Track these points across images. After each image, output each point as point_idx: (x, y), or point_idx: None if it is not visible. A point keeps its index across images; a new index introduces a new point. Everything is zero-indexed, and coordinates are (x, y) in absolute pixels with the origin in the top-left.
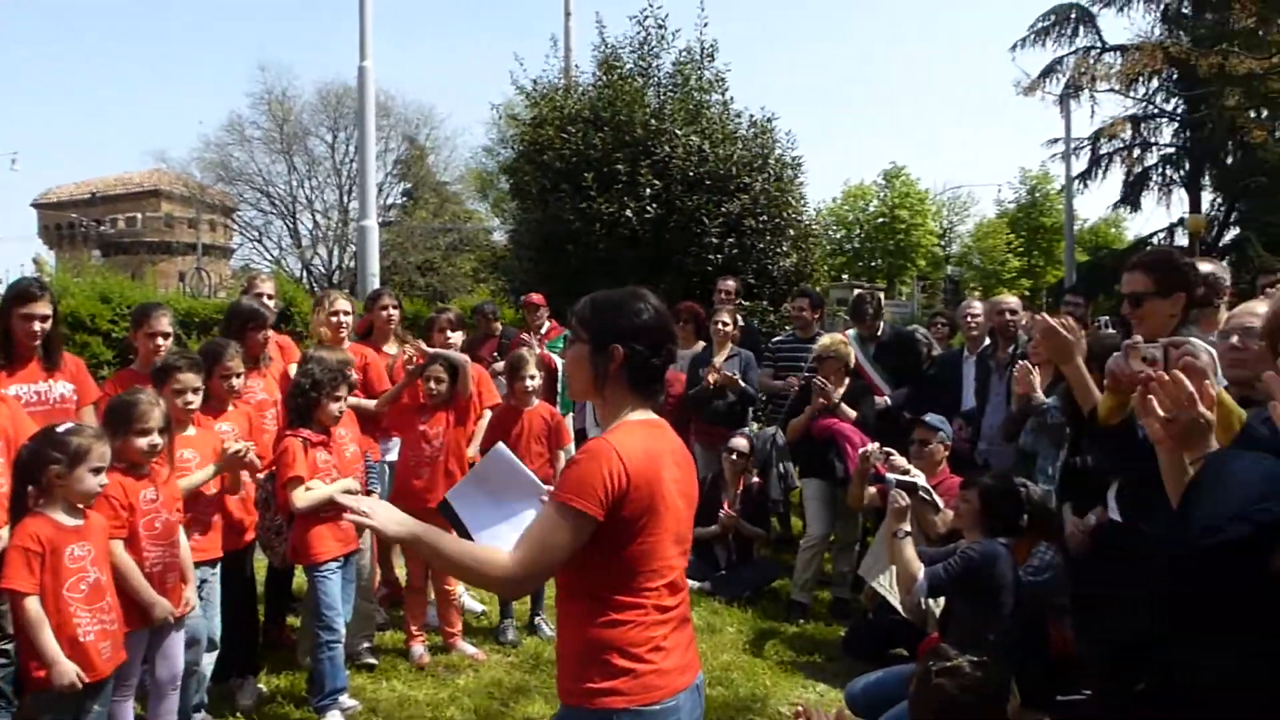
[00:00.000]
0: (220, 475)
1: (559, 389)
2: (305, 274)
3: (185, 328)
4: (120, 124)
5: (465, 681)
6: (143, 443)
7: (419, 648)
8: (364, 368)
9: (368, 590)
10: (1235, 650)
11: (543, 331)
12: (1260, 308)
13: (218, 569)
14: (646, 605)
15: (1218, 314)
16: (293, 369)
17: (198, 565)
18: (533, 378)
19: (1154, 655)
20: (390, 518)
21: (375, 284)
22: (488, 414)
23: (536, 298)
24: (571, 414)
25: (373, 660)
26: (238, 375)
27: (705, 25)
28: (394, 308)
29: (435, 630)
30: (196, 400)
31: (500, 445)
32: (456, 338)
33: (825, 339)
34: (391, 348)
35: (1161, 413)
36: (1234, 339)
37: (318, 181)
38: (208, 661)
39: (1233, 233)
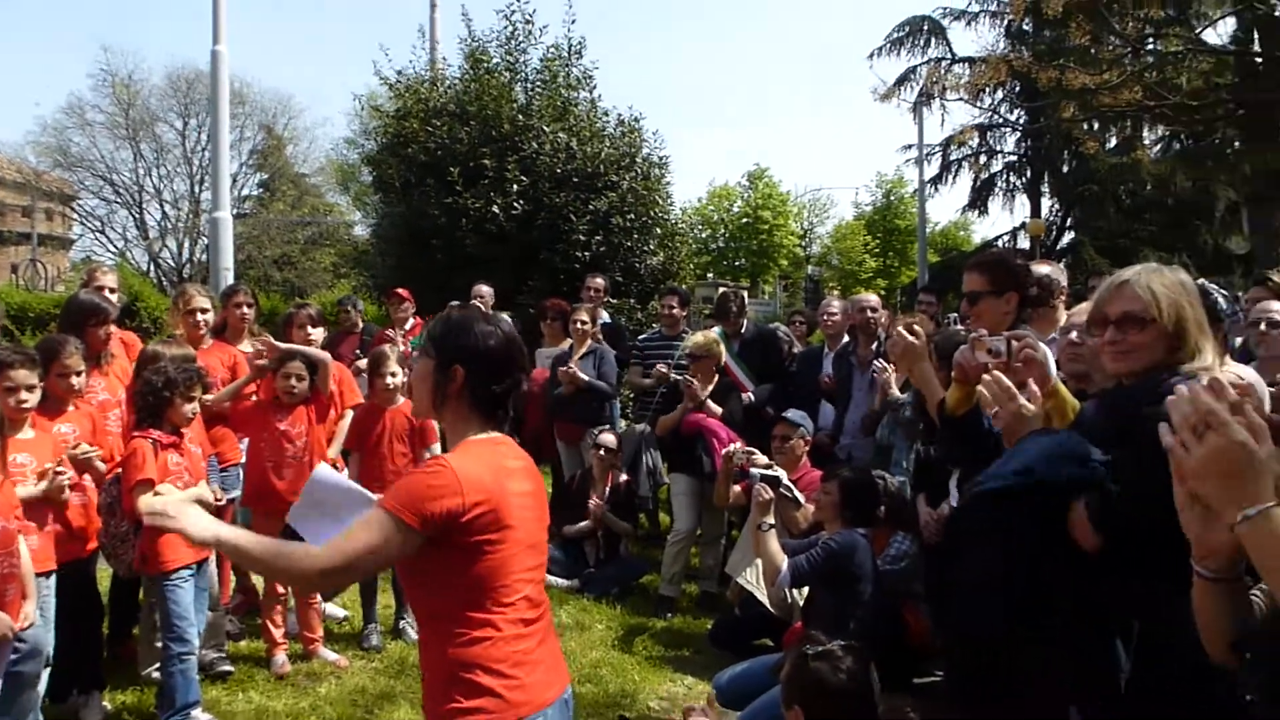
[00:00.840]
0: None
1: None
2: (153, 267)
3: (18, 323)
4: None
5: (327, 690)
6: None
7: (280, 656)
8: (232, 367)
9: (216, 599)
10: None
11: (407, 327)
12: None
13: (52, 580)
14: (506, 620)
15: (1056, 313)
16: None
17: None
18: (394, 375)
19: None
20: (195, 521)
21: (229, 279)
22: (350, 414)
23: (401, 291)
24: None
25: (228, 668)
26: (78, 374)
27: (573, 22)
28: (249, 305)
29: (295, 637)
30: (32, 399)
31: (321, 466)
32: (317, 334)
33: (698, 337)
34: (247, 346)
35: (989, 409)
36: (1073, 335)
37: (166, 170)
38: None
39: (1069, 237)
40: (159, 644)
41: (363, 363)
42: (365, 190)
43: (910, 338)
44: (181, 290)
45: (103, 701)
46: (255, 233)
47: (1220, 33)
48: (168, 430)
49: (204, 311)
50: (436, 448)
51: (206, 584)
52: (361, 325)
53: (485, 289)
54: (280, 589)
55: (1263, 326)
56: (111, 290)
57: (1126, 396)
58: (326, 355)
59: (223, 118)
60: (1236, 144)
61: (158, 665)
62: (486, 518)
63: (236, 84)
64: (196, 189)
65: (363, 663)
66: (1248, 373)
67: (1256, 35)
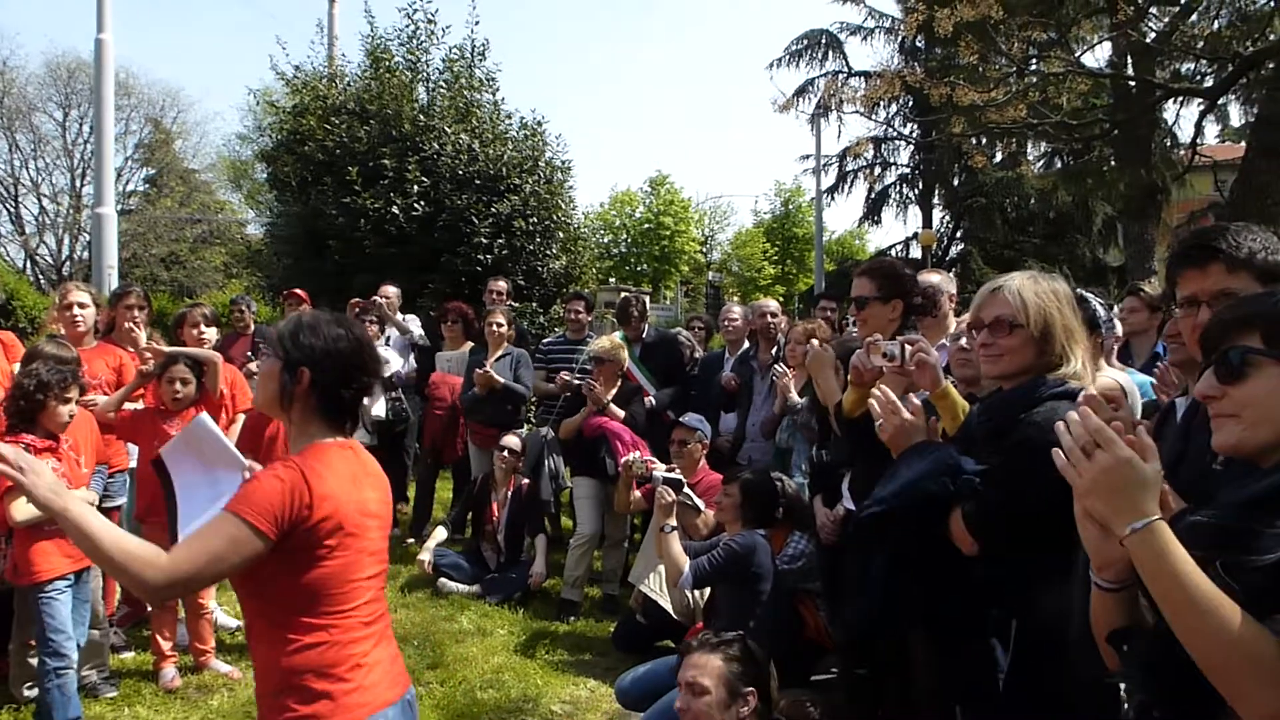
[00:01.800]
0: None
1: None
2: (29, 264)
3: None
4: None
5: (219, 702)
6: None
7: (169, 670)
8: (119, 369)
9: (99, 614)
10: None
11: None
12: None
13: None
14: (343, 625)
15: (946, 320)
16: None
17: None
18: None
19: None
20: (44, 481)
21: (113, 277)
22: (241, 418)
23: (298, 292)
24: None
25: (111, 692)
26: None
27: (477, 24)
28: (140, 308)
29: (185, 649)
30: None
31: (204, 415)
32: (211, 334)
33: (602, 341)
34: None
35: (877, 420)
36: (962, 341)
37: (45, 163)
38: None
39: (959, 247)
40: (33, 659)
41: (255, 365)
42: (259, 188)
43: (820, 348)
44: (63, 286)
45: None
46: (141, 230)
47: (1098, 56)
48: (41, 435)
49: (82, 307)
50: None
51: (87, 596)
52: (254, 327)
53: (392, 290)
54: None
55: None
56: None
57: (1004, 403)
58: (215, 355)
59: (107, 109)
60: (1112, 161)
61: (31, 683)
62: (330, 523)
63: (122, 75)
64: (78, 183)
65: None
66: (1122, 378)
67: (1130, 60)
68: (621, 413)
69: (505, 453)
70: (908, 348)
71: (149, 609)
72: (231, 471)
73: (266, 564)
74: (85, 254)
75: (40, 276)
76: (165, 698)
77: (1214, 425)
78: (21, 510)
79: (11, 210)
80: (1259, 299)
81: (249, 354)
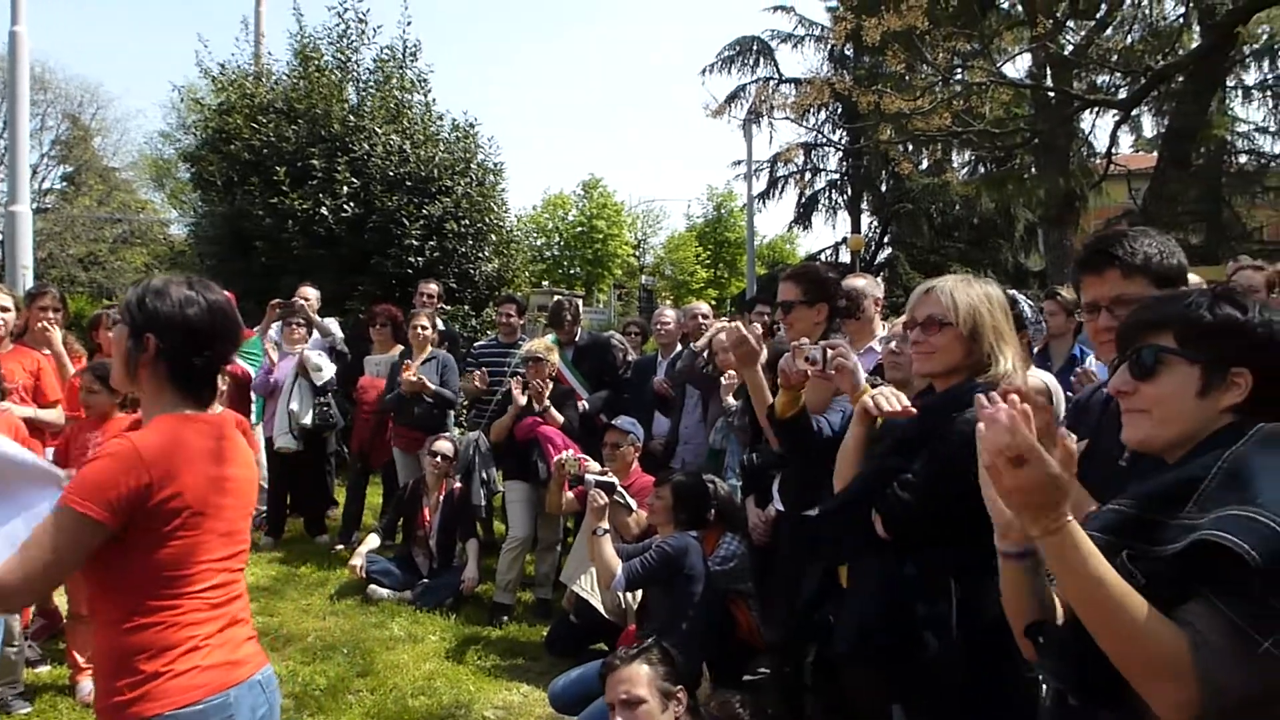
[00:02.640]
0: None
1: (253, 399)
2: None
3: None
4: None
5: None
6: None
7: (86, 683)
8: (36, 373)
9: (10, 629)
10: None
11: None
12: None
13: None
14: (185, 606)
15: (872, 324)
16: None
17: None
18: None
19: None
20: None
21: (28, 277)
22: None
23: (226, 295)
24: (261, 423)
25: (25, 707)
26: None
27: (409, 24)
28: (55, 309)
29: None
30: None
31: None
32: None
33: (534, 344)
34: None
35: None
36: (893, 344)
37: None
38: None
39: (887, 252)
40: None
41: None
42: (182, 188)
43: (752, 340)
44: None
45: None
46: (58, 229)
47: (1018, 67)
48: None
49: (4, 311)
50: (262, 458)
51: None
52: None
53: (311, 291)
54: (82, 608)
55: None
56: None
57: (936, 404)
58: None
59: (22, 104)
60: (1033, 169)
61: None
62: (176, 502)
63: (38, 69)
64: None
65: None
66: (1047, 378)
67: (1049, 72)
68: (561, 418)
69: (438, 458)
70: (829, 352)
71: (64, 621)
72: (42, 490)
73: (107, 547)
74: None
75: None
76: (83, 711)
77: (1125, 420)
78: None
79: None
80: (1173, 300)
81: None
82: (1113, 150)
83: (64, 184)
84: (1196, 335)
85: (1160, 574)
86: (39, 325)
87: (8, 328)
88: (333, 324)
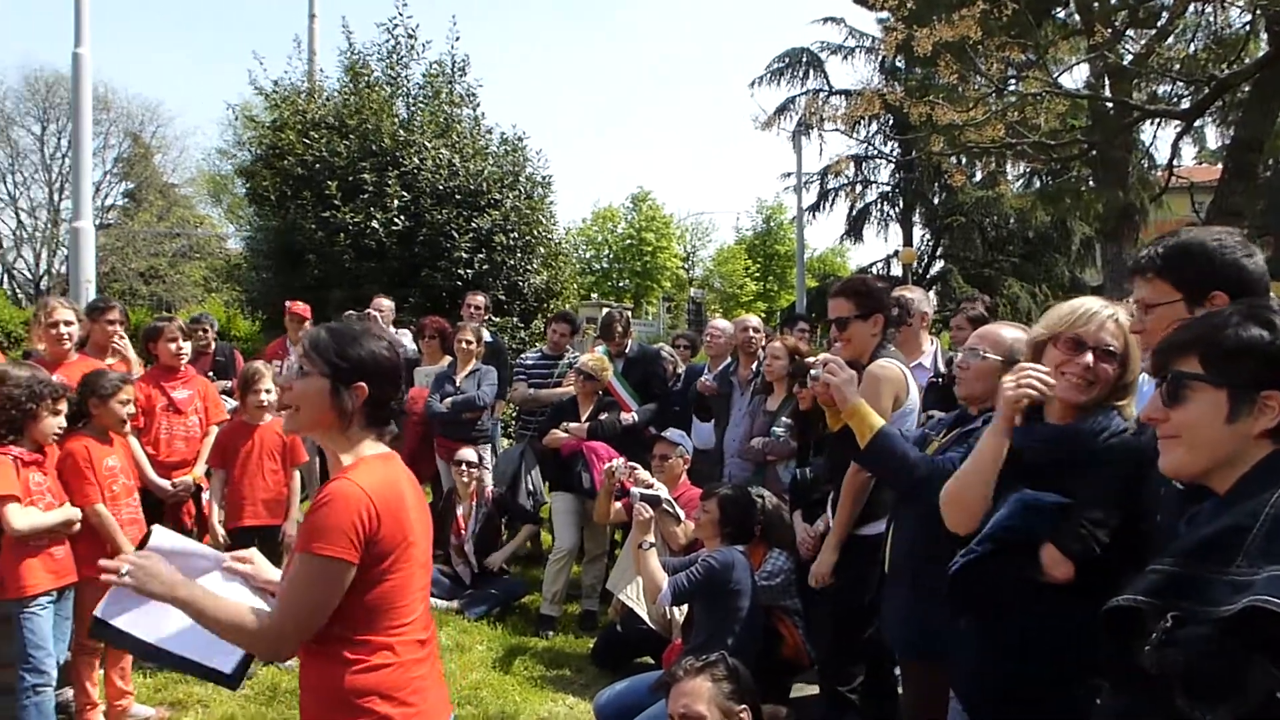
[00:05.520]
0: None
1: None
2: (7, 278)
3: None
4: None
5: None
6: None
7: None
8: None
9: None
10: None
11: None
12: (1005, 332)
13: None
14: (404, 642)
15: (919, 338)
16: None
17: None
18: (268, 392)
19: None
20: (154, 576)
21: (90, 291)
22: (214, 430)
23: (301, 308)
24: None
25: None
26: None
27: (457, 39)
28: (120, 323)
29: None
30: None
31: (156, 531)
32: (187, 348)
33: (587, 358)
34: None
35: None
36: (959, 358)
37: (23, 177)
38: None
39: (939, 265)
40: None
41: (224, 384)
42: (238, 202)
43: (836, 375)
44: (43, 303)
45: None
46: (120, 244)
47: (1075, 77)
48: (29, 447)
49: (68, 324)
50: (307, 465)
51: (68, 613)
52: (214, 345)
53: (385, 303)
54: (90, 644)
55: None
56: None
57: (1076, 434)
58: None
59: (85, 123)
60: (1090, 182)
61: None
62: (394, 538)
63: (100, 89)
64: (56, 197)
65: (230, 691)
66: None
67: (1107, 82)
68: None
69: (463, 465)
70: (821, 368)
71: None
72: (207, 573)
73: None
74: (63, 268)
75: (18, 290)
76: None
77: (1160, 448)
78: (22, 518)
79: None
80: (1201, 322)
81: (209, 372)
82: (1174, 162)
83: (126, 200)
84: (1220, 358)
85: (1206, 636)
86: (108, 329)
87: (74, 340)
88: (405, 336)
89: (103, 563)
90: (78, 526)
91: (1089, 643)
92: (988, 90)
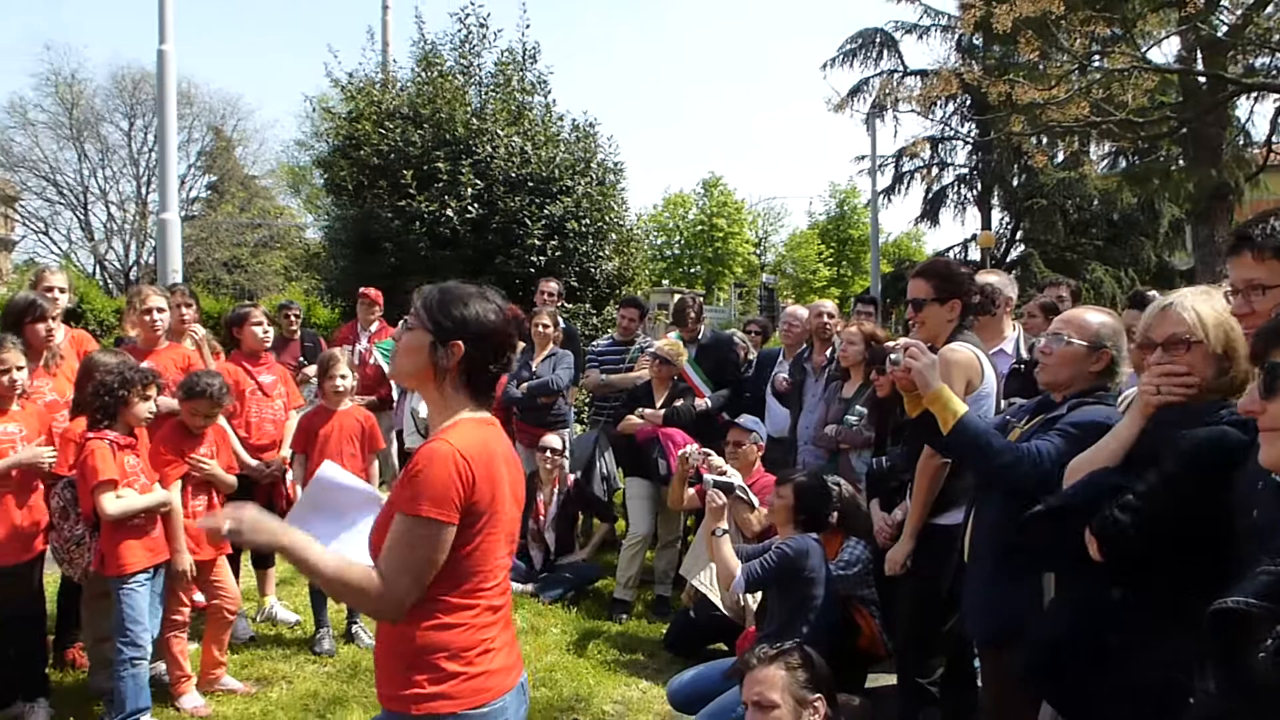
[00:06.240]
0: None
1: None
2: (99, 269)
3: None
4: None
5: (279, 695)
6: None
7: (193, 696)
8: (186, 368)
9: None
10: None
11: (373, 329)
12: (1090, 316)
13: None
14: (479, 607)
15: (1002, 323)
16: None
17: None
18: (344, 377)
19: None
20: (261, 528)
21: (177, 279)
22: (295, 415)
23: (372, 294)
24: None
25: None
26: (19, 368)
27: (528, 27)
28: (186, 305)
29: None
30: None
31: (326, 465)
32: (271, 333)
33: (661, 344)
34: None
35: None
36: (1041, 343)
37: (112, 171)
38: None
39: (1019, 249)
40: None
41: (310, 369)
42: (317, 193)
43: (918, 359)
44: (136, 290)
45: (48, 708)
46: (204, 235)
47: (1165, 51)
48: (123, 431)
49: (160, 311)
50: (384, 451)
51: (162, 589)
52: (300, 331)
53: (553, 285)
54: (179, 618)
55: None
56: (61, 290)
57: (1173, 419)
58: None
59: (170, 118)
60: (1180, 161)
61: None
62: (481, 503)
63: (184, 84)
64: (143, 190)
65: (314, 667)
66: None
67: (1199, 55)
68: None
69: (547, 452)
70: (901, 353)
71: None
72: (365, 511)
73: None
74: (151, 259)
75: (109, 281)
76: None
77: (1261, 440)
78: (114, 504)
79: (81, 218)
80: None
81: (300, 358)
82: (1273, 138)
83: (209, 192)
84: None
85: None
86: (178, 313)
87: (165, 326)
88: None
89: (202, 522)
90: (167, 508)
91: (1126, 629)
92: (1071, 67)
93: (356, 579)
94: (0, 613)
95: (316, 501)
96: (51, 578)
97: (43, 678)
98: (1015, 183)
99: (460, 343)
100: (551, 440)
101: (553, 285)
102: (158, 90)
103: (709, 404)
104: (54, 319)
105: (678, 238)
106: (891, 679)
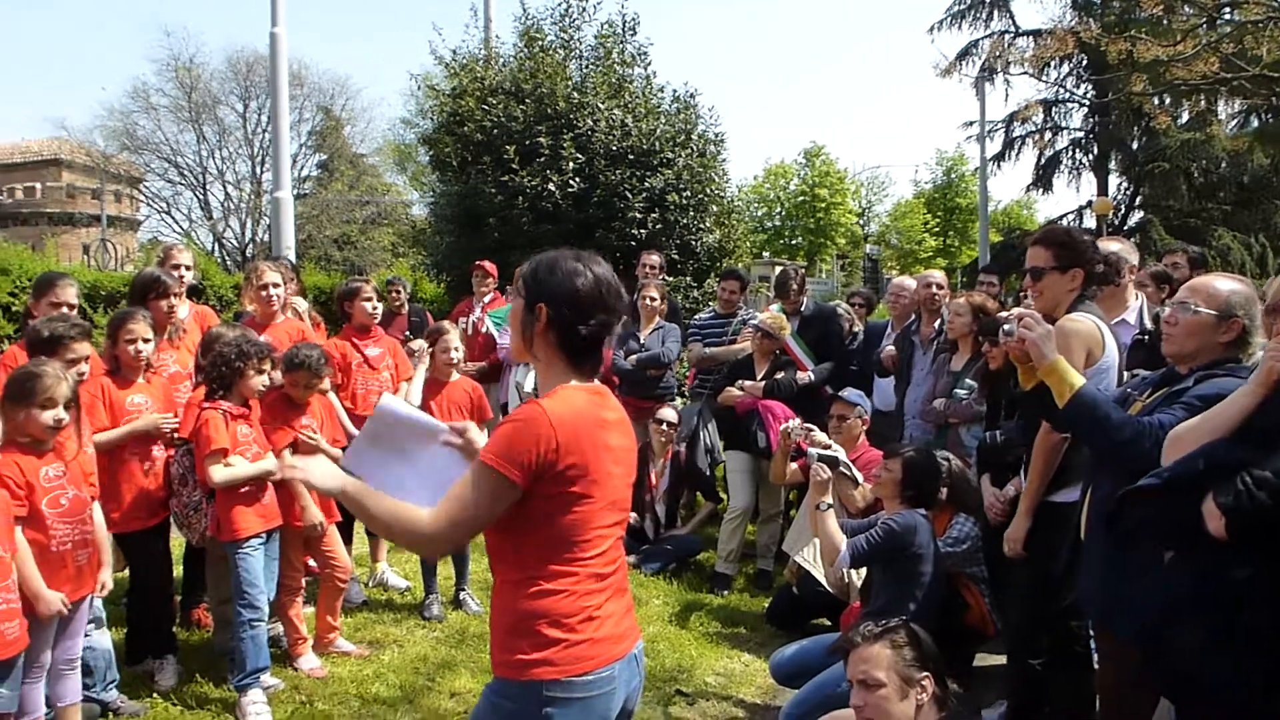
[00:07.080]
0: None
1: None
2: (217, 247)
3: (91, 300)
4: (14, 89)
5: (390, 657)
6: (47, 417)
7: (310, 658)
8: (299, 341)
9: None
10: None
11: (487, 300)
12: (1220, 283)
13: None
14: (580, 574)
15: (1125, 292)
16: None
17: None
18: (457, 349)
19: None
20: (322, 471)
21: (291, 257)
22: (405, 386)
23: (486, 264)
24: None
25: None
26: (145, 340)
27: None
28: (289, 280)
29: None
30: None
31: (386, 397)
32: (380, 308)
33: (764, 317)
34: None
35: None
36: (1166, 313)
37: (229, 152)
38: (99, 639)
39: (1138, 215)
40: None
41: (415, 343)
42: (422, 170)
43: (1033, 330)
44: (254, 266)
45: (176, 665)
46: (315, 212)
47: None
48: (237, 402)
49: (275, 286)
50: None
51: (276, 554)
52: (408, 306)
53: (655, 258)
54: (293, 583)
55: None
56: (188, 268)
57: None
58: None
59: (282, 99)
60: None
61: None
62: (576, 470)
63: (294, 66)
64: (258, 170)
65: (424, 632)
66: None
67: None
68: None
69: (663, 424)
70: (1017, 324)
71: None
72: (427, 445)
73: (515, 510)
74: (266, 236)
75: (226, 258)
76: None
77: None
78: (220, 474)
79: (200, 197)
80: None
81: (406, 332)
82: None
83: (319, 171)
84: None
85: None
86: (291, 300)
87: (281, 301)
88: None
89: (262, 465)
90: (276, 476)
91: (1246, 609)
92: (1198, 21)
93: (406, 514)
94: (130, 577)
95: (377, 434)
96: (178, 541)
97: (170, 636)
98: (1135, 146)
99: (543, 306)
100: (667, 413)
101: (654, 258)
102: (270, 72)
103: (811, 377)
104: (177, 295)
105: (779, 209)
106: (1000, 658)
